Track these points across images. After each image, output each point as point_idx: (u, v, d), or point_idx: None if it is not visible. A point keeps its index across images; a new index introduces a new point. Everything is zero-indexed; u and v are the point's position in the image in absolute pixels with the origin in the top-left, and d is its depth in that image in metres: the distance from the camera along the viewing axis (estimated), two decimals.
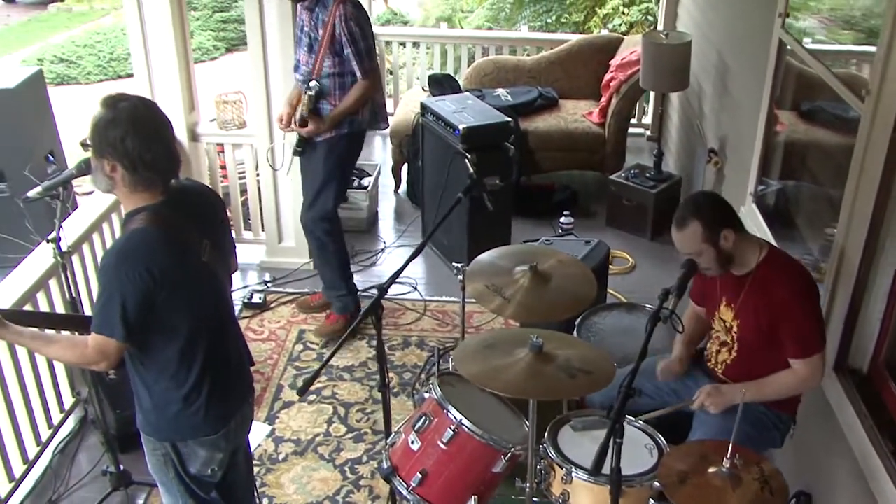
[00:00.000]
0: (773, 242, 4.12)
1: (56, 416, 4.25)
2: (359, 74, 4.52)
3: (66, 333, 2.88)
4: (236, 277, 5.36)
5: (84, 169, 2.87)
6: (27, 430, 3.99)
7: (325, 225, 4.84)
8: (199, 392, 2.76)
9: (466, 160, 3.98)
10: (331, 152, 4.68)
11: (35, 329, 2.80)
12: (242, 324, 5.11)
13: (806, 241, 4.13)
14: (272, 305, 5.36)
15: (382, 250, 6.08)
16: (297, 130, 4.66)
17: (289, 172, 5.20)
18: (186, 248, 2.67)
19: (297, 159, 4.86)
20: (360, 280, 5.49)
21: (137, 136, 2.51)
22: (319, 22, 4.47)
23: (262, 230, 5.82)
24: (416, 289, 5.55)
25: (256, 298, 5.34)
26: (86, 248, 4.48)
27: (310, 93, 4.55)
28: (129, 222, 2.60)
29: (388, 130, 6.72)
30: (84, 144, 2.60)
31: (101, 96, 2.61)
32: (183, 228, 2.66)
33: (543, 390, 2.94)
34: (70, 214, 3.31)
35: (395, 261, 5.93)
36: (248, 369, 3.09)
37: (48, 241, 3.25)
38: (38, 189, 3.12)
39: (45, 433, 4.14)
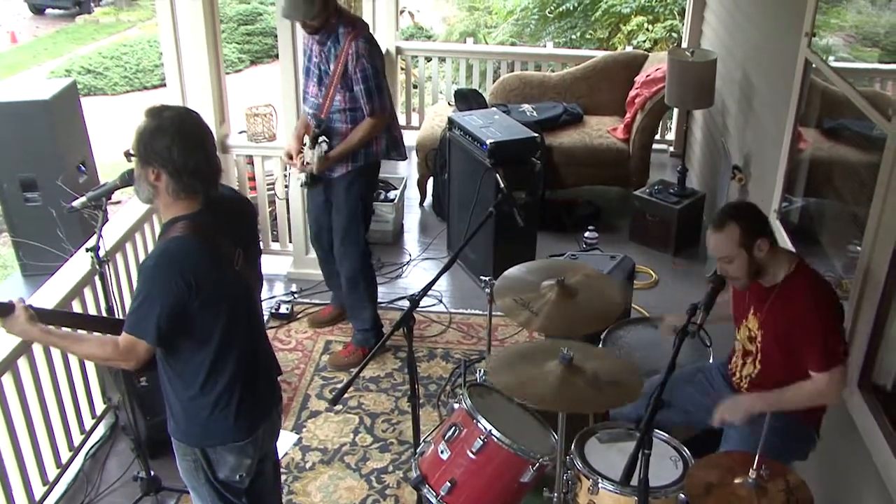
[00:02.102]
0: None
1: (88, 422, 4.32)
2: (366, 111, 4.48)
3: (95, 334, 2.92)
4: (263, 288, 5.44)
5: (127, 180, 2.94)
6: (60, 435, 4.06)
7: (359, 260, 4.85)
8: (227, 399, 2.83)
9: (497, 175, 4.03)
10: (351, 187, 4.67)
11: (65, 329, 2.85)
12: (269, 334, 5.16)
13: (829, 257, 4.16)
14: (299, 316, 5.43)
15: (408, 263, 6.14)
16: (301, 169, 4.65)
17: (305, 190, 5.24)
18: (222, 257, 2.74)
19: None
20: (386, 292, 5.56)
21: (183, 145, 2.59)
22: (332, 56, 4.45)
23: (290, 241, 5.90)
24: (441, 301, 5.60)
25: (283, 309, 5.41)
26: (119, 257, 4.56)
27: (317, 131, 4.53)
28: (168, 231, 2.67)
29: (415, 143, 6.80)
30: (128, 154, 2.67)
31: (146, 107, 2.68)
32: (219, 238, 2.73)
33: (573, 403, 2.99)
34: (105, 223, 3.38)
35: (420, 273, 6.00)
36: (277, 378, 3.15)
37: (87, 251, 3.32)
38: (83, 199, 3.20)
39: (77, 438, 4.22)
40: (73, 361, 4.11)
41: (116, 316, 3.69)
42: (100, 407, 4.42)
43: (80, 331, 2.99)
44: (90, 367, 4.27)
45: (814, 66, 4.25)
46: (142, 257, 4.79)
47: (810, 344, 3.12)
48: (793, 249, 4.26)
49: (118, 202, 6.97)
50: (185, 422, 2.87)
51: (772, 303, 3.25)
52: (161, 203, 2.70)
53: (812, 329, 3.11)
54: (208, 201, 2.71)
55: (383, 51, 6.63)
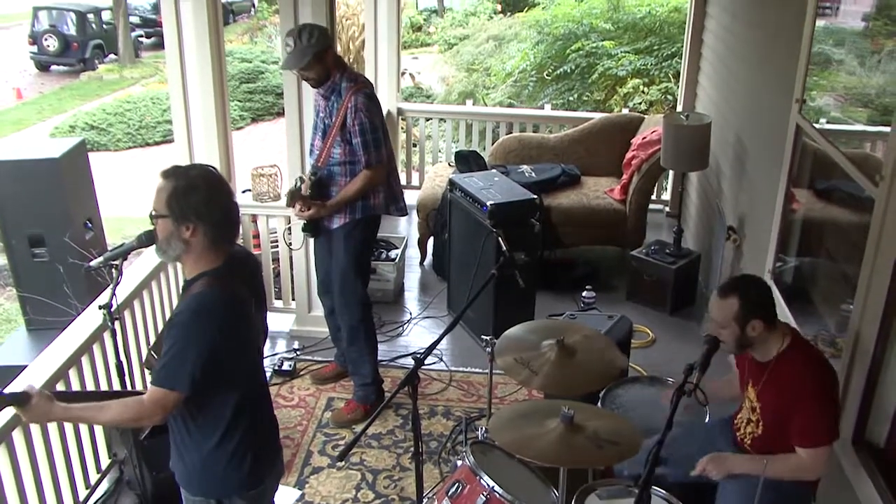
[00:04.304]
0: (791, 319, 4.23)
1: (93, 477, 4.36)
2: (363, 164, 4.63)
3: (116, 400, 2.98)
4: (266, 345, 5.52)
5: (144, 241, 3.02)
6: (66, 489, 4.10)
7: (359, 310, 4.94)
8: (245, 447, 2.91)
9: (499, 238, 4.15)
10: (349, 238, 4.79)
11: (83, 403, 2.90)
12: (273, 390, 5.25)
13: (823, 316, 4.24)
14: (301, 373, 5.49)
15: (408, 321, 6.22)
16: (298, 215, 4.81)
17: (300, 247, 5.45)
18: (243, 311, 2.85)
19: (311, 241, 5.04)
20: (386, 350, 5.64)
21: (218, 197, 2.76)
22: (334, 109, 4.62)
23: (293, 299, 5.98)
24: (441, 359, 5.67)
25: (286, 366, 5.48)
26: (126, 314, 4.64)
27: (311, 179, 4.70)
28: (192, 286, 2.78)
29: (415, 203, 6.92)
30: (154, 216, 2.77)
31: (162, 170, 2.80)
32: (240, 293, 2.85)
33: (573, 459, 3.06)
34: (119, 283, 3.47)
35: (420, 332, 6.07)
36: (278, 427, 3.25)
37: (100, 308, 3.40)
38: (100, 259, 3.28)
39: (82, 493, 4.25)
40: None
41: (124, 372, 3.76)
42: (105, 461, 4.46)
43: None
44: None
45: (805, 130, 4.38)
46: (149, 314, 4.88)
47: (800, 421, 3.19)
48: (786, 311, 4.35)
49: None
50: (202, 473, 2.94)
51: (767, 378, 3.33)
52: (191, 258, 2.81)
53: (803, 407, 3.18)
54: (227, 257, 2.84)
55: (385, 111, 6.78)
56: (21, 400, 2.71)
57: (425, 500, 3.41)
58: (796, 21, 4.42)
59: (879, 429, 3.38)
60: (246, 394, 2.89)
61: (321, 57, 4.51)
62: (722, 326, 3.29)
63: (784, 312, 4.37)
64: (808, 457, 3.19)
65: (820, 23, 4.33)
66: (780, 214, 4.69)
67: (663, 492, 3.26)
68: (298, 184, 4.72)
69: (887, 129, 3.29)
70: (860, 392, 3.42)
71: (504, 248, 4.00)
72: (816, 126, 4.26)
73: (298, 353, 5.70)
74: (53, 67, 21.68)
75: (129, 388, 4.01)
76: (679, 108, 7.94)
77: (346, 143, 4.62)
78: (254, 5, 29.33)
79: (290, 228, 5.59)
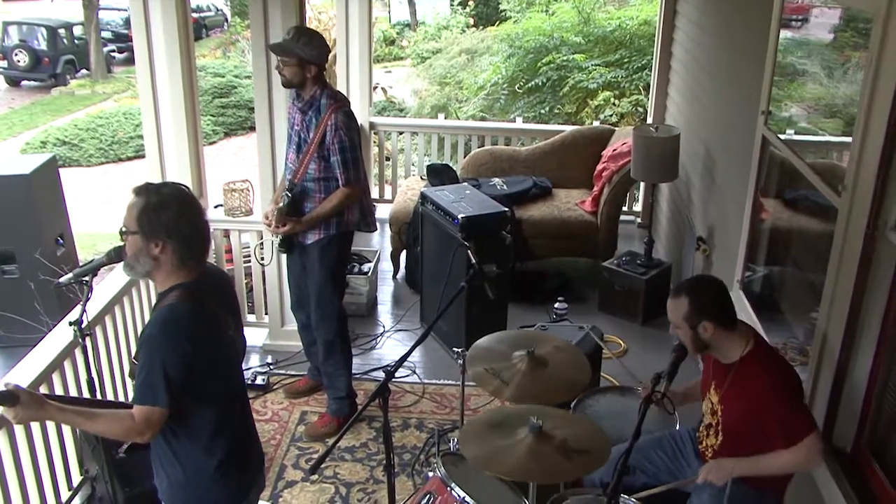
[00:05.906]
0: (760, 328, 4.27)
1: (64, 494, 4.33)
2: (341, 182, 4.65)
3: (109, 410, 2.98)
4: None
5: (114, 257, 3.03)
6: None
7: (335, 324, 4.96)
8: (229, 461, 2.92)
9: (469, 251, 4.17)
10: (323, 253, 4.81)
11: (78, 406, 2.89)
12: None
13: (791, 325, 4.29)
14: (275, 387, 5.48)
15: (382, 334, 6.23)
16: (273, 231, 4.82)
17: (270, 262, 5.47)
18: (218, 322, 2.86)
19: (283, 256, 5.06)
20: (360, 363, 5.64)
21: (189, 215, 2.77)
22: (312, 125, 4.63)
23: (266, 313, 5.98)
24: (414, 372, 5.68)
25: (259, 380, 5.47)
26: (97, 330, 4.63)
27: (287, 196, 4.70)
28: (164, 299, 2.79)
29: (388, 217, 6.95)
30: (123, 232, 2.77)
31: (134, 187, 2.81)
32: (213, 305, 2.86)
33: (543, 474, 3.08)
34: (90, 299, 3.47)
35: (393, 344, 6.09)
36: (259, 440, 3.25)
37: (71, 324, 3.40)
38: (70, 276, 3.28)
39: None
40: (52, 433, 4.15)
41: (96, 388, 3.75)
42: (76, 478, 4.43)
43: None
44: (68, 438, 4.30)
45: (771, 141, 4.43)
46: (121, 330, 4.86)
47: (774, 423, 3.17)
48: (755, 321, 4.39)
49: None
50: (186, 489, 2.93)
51: (730, 381, 3.33)
52: (161, 274, 2.81)
53: (772, 408, 3.17)
54: (199, 272, 2.84)
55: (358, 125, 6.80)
56: (10, 399, 2.64)
57: None
58: (761, 33, 4.48)
59: (846, 434, 3.42)
60: (227, 408, 2.90)
61: (304, 65, 4.54)
62: (676, 326, 3.32)
63: (753, 321, 4.40)
64: (798, 452, 3.13)
65: (787, 34, 4.39)
66: (749, 225, 4.74)
67: (633, 500, 3.28)
68: (282, 203, 4.71)
69: (850, 139, 3.33)
70: (827, 398, 3.46)
71: (473, 260, 4.02)
72: (782, 137, 4.31)
73: (272, 367, 5.70)
74: (24, 83, 21.54)
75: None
76: (649, 121, 8.01)
77: (323, 159, 4.63)
78: (227, 20, 29.27)
79: (261, 244, 5.60)
